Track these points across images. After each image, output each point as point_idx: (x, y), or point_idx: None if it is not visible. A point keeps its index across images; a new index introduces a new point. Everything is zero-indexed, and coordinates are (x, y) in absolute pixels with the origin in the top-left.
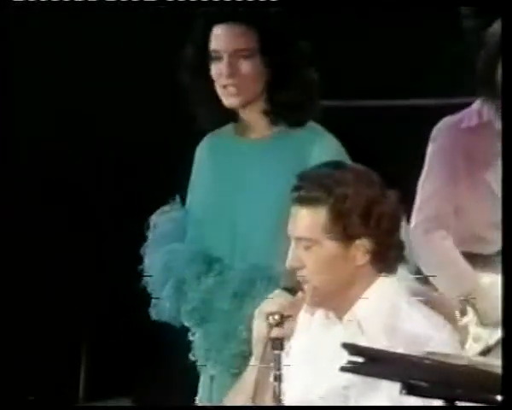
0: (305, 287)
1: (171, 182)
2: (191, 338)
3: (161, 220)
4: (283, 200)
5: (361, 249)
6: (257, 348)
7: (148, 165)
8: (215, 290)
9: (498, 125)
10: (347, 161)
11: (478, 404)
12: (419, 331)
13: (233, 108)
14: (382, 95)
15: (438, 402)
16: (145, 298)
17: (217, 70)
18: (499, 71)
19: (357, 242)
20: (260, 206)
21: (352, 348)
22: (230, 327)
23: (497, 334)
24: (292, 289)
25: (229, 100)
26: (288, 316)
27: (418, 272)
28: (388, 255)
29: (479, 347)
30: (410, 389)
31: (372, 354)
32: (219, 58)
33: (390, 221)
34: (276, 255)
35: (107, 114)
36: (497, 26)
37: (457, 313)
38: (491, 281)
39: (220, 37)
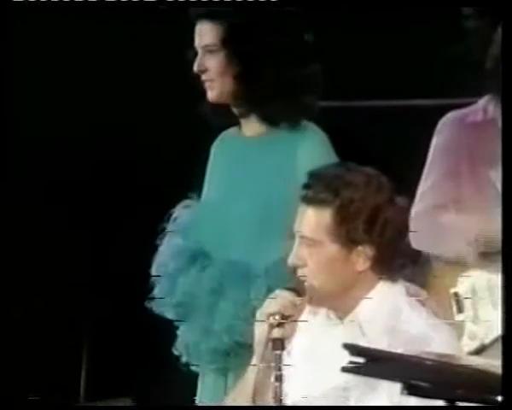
0: (306, 285)
1: (195, 178)
2: (177, 332)
3: (179, 214)
4: (269, 198)
5: (362, 255)
6: (258, 349)
7: (170, 162)
8: (196, 285)
9: None
10: (335, 159)
11: (478, 404)
12: (419, 333)
13: (213, 101)
14: (383, 95)
15: (438, 403)
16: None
17: (194, 66)
18: None
19: (359, 247)
20: (248, 203)
21: (353, 349)
22: (207, 323)
23: (493, 333)
24: (293, 290)
25: (208, 95)
26: (289, 316)
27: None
28: (391, 264)
29: (474, 344)
30: (412, 390)
31: (373, 354)
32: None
33: (395, 230)
34: (255, 253)
35: (130, 113)
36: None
37: (454, 310)
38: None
39: (196, 34)
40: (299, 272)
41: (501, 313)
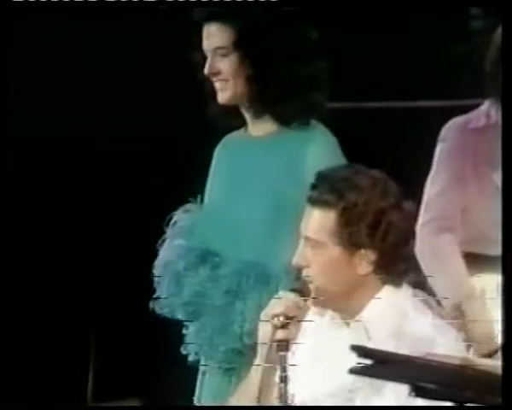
0: (310, 287)
1: (195, 183)
2: (184, 332)
3: (180, 218)
4: (279, 199)
5: (364, 259)
6: (262, 350)
7: (173, 165)
8: (208, 285)
9: None
10: (343, 161)
11: (485, 405)
12: (425, 335)
13: (225, 103)
14: (390, 97)
15: (444, 404)
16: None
17: (205, 69)
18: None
19: (362, 251)
20: (258, 203)
21: (360, 350)
22: (223, 323)
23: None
24: (298, 291)
25: (219, 96)
26: (293, 317)
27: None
28: (393, 268)
29: (484, 348)
30: (419, 392)
31: (380, 356)
32: (207, 57)
33: (398, 235)
34: (270, 253)
35: (133, 115)
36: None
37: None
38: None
39: (205, 36)
40: (304, 273)
41: (501, 315)
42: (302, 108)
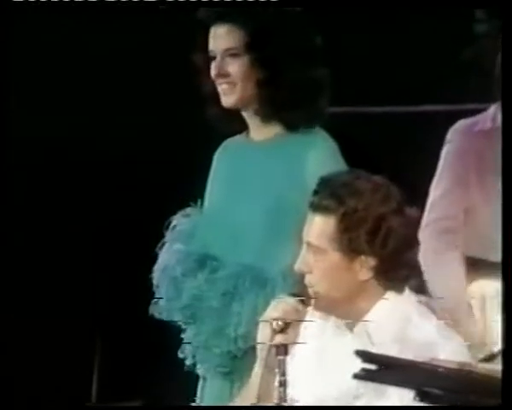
0: (311, 292)
1: (194, 186)
2: (182, 335)
3: (179, 222)
4: (280, 203)
5: (364, 265)
6: (261, 354)
7: (173, 170)
8: (206, 288)
9: None
10: (343, 167)
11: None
12: (429, 341)
13: (230, 107)
14: (393, 101)
15: None
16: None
17: (212, 70)
18: None
19: (362, 257)
20: (257, 207)
21: (365, 356)
22: (219, 326)
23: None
24: (297, 295)
25: (224, 100)
26: (292, 321)
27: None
28: (395, 274)
29: (483, 352)
30: (424, 397)
31: (385, 361)
32: (214, 58)
33: (399, 241)
34: (269, 257)
35: (134, 119)
36: None
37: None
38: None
39: (213, 37)
40: (306, 279)
41: (500, 320)
42: (309, 113)
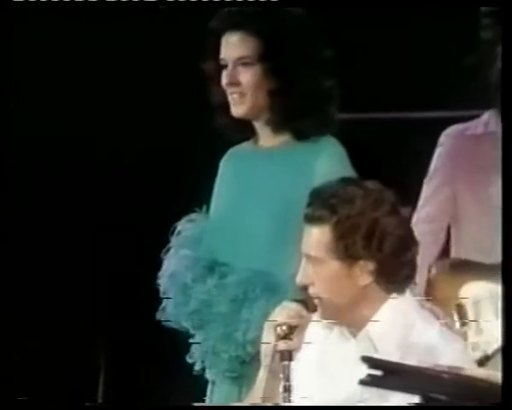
0: (315, 301)
1: (200, 193)
2: (191, 340)
3: (184, 228)
4: (288, 209)
5: (364, 270)
6: (265, 360)
7: (178, 176)
8: (215, 293)
9: None
10: (352, 174)
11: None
12: (433, 346)
13: (240, 117)
14: (396, 107)
15: None
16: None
17: (223, 79)
18: None
19: (361, 262)
20: (265, 213)
21: (370, 361)
22: (228, 331)
23: (496, 343)
24: (301, 301)
25: (234, 108)
26: (296, 327)
27: None
28: (394, 277)
29: (476, 355)
30: (430, 403)
31: (390, 367)
32: (225, 66)
33: (395, 242)
34: (278, 263)
35: (141, 125)
36: None
37: (456, 321)
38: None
39: (225, 45)
40: (310, 290)
41: (501, 322)
42: (319, 122)
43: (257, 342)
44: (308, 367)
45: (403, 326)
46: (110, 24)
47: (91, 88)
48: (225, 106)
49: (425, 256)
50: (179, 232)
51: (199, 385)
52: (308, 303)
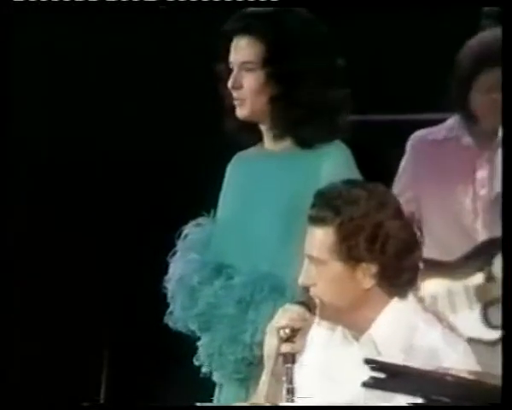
0: (317, 303)
1: (207, 197)
2: (198, 343)
3: (191, 231)
4: (294, 212)
5: (366, 273)
6: (268, 362)
7: (186, 179)
8: (221, 295)
9: (466, 141)
10: (358, 177)
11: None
12: (435, 349)
13: (243, 118)
14: (401, 109)
15: None
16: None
17: (229, 82)
18: (471, 96)
19: (363, 265)
20: (272, 216)
21: (373, 364)
22: (234, 332)
23: None
24: (304, 303)
25: (238, 111)
26: (299, 329)
27: None
28: (397, 280)
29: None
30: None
31: (394, 369)
32: (233, 70)
33: (398, 245)
34: (284, 265)
35: (146, 128)
36: (468, 47)
37: None
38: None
39: (234, 48)
40: (312, 291)
41: (501, 317)
42: (324, 132)
43: (263, 343)
44: (311, 370)
45: (405, 329)
46: (110, 24)
47: (93, 89)
48: (234, 109)
49: None
50: (186, 236)
51: (207, 387)
52: (311, 306)
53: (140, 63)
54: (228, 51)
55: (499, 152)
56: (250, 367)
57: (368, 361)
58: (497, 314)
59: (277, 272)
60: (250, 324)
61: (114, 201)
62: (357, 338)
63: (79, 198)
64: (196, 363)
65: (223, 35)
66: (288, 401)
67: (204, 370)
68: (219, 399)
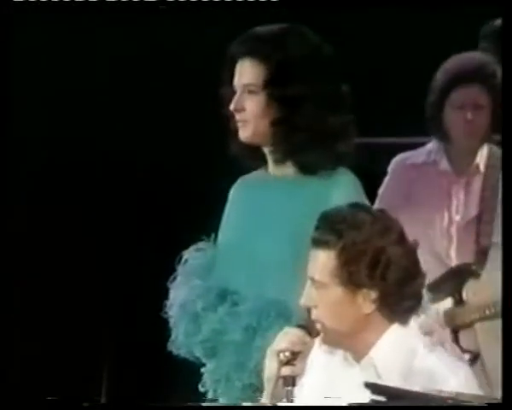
0: (318, 326)
1: (208, 221)
2: (202, 369)
3: (192, 256)
4: (301, 238)
5: (367, 298)
6: (268, 386)
7: (186, 203)
8: (227, 322)
9: (443, 165)
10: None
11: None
12: (436, 373)
13: (246, 141)
14: (405, 132)
15: None
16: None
17: (231, 104)
18: (444, 115)
19: (364, 290)
20: (277, 241)
21: (374, 388)
22: (241, 359)
23: None
24: (303, 327)
25: (240, 133)
26: (299, 353)
27: None
28: (398, 307)
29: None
30: None
31: (394, 393)
32: (236, 92)
33: (400, 272)
34: (290, 291)
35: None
36: (443, 66)
37: None
38: None
39: (237, 71)
40: (313, 314)
41: (501, 317)
42: (326, 158)
43: None
44: (311, 392)
45: (406, 352)
46: (110, 24)
47: (93, 89)
48: (237, 131)
49: None
50: (186, 261)
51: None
52: (311, 329)
53: (140, 63)
54: (232, 74)
55: (476, 179)
56: (257, 393)
57: (368, 385)
58: (467, 338)
59: (283, 298)
60: (257, 350)
61: (114, 223)
62: (357, 361)
63: (79, 203)
64: (202, 389)
65: (227, 58)
66: None
67: (210, 396)
68: None
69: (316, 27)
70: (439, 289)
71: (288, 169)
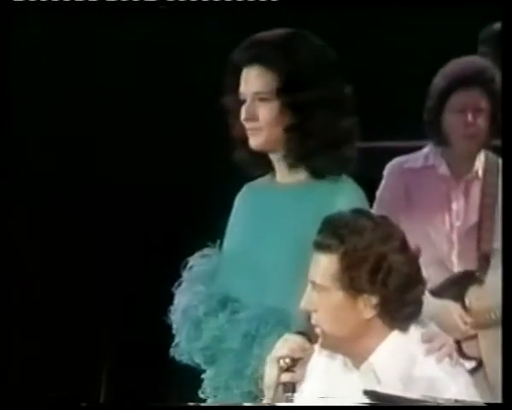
0: (317, 330)
1: (214, 227)
2: (202, 376)
3: (197, 262)
4: (304, 246)
5: (367, 303)
6: (268, 392)
7: (191, 210)
8: (227, 329)
9: (442, 170)
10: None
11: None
12: (435, 379)
13: (258, 149)
14: (408, 136)
15: None
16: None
17: (242, 113)
18: (444, 119)
19: (365, 296)
20: (280, 250)
21: (373, 395)
22: (240, 366)
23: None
24: (303, 333)
25: (252, 141)
26: (299, 359)
27: None
28: (398, 313)
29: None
30: None
31: (392, 400)
32: (245, 101)
33: (401, 279)
34: (291, 299)
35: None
36: (437, 78)
37: None
38: None
39: (244, 79)
40: (313, 319)
41: (501, 316)
42: (336, 162)
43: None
44: (311, 398)
45: (406, 359)
46: (111, 24)
47: (93, 89)
48: (244, 140)
49: None
50: (191, 267)
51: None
52: (311, 335)
53: (140, 64)
54: (237, 82)
55: (475, 184)
56: (256, 401)
57: (367, 393)
58: (470, 344)
59: (283, 306)
60: (255, 358)
61: (119, 229)
62: (357, 366)
63: (81, 204)
64: (202, 396)
65: (231, 66)
66: None
67: (208, 403)
68: None
69: (311, 30)
70: (441, 295)
71: (300, 174)
